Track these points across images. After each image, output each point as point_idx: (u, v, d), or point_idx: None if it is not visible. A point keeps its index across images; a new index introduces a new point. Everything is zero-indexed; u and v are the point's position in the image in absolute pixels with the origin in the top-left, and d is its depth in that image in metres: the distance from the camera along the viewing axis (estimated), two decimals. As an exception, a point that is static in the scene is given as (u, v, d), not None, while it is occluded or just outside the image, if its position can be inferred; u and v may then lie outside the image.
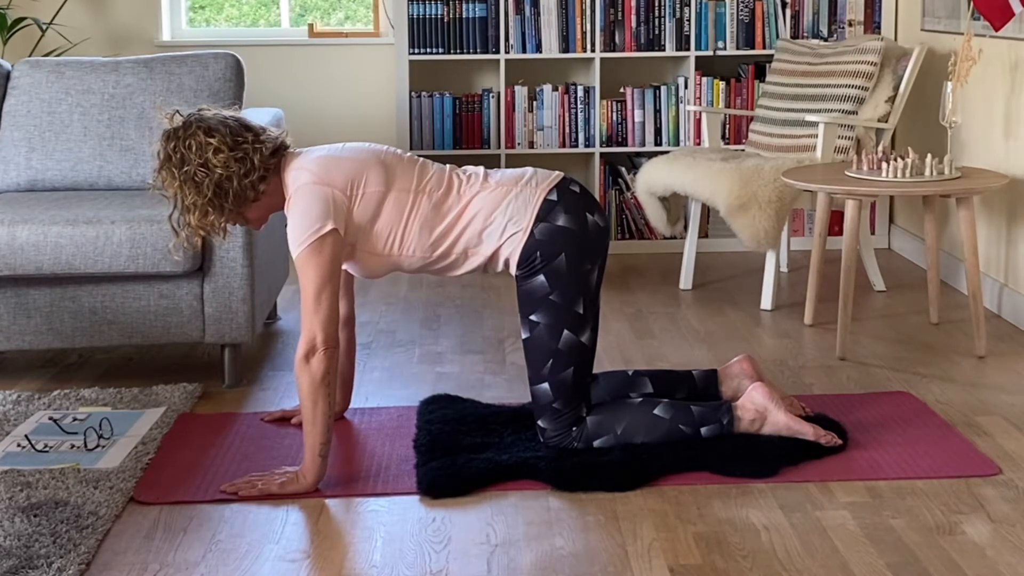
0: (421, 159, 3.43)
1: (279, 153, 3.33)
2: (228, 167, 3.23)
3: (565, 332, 3.30)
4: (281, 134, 3.37)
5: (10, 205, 4.07)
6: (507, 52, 6.00)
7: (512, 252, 3.31)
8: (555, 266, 3.29)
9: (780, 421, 3.41)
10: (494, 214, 3.31)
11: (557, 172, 3.43)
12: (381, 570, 2.79)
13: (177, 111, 3.33)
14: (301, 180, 3.27)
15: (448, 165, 3.45)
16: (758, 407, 3.42)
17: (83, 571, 2.77)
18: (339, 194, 3.25)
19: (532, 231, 3.29)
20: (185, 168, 3.23)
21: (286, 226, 3.29)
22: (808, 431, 3.41)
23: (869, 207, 5.89)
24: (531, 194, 3.33)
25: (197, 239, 3.35)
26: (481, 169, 3.43)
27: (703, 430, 3.38)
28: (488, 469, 3.25)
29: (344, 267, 3.42)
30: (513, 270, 3.34)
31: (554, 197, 3.33)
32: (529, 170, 3.43)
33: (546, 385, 3.33)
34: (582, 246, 3.31)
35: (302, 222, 3.22)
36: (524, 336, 3.36)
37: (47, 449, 3.46)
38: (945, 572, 2.73)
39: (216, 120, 3.28)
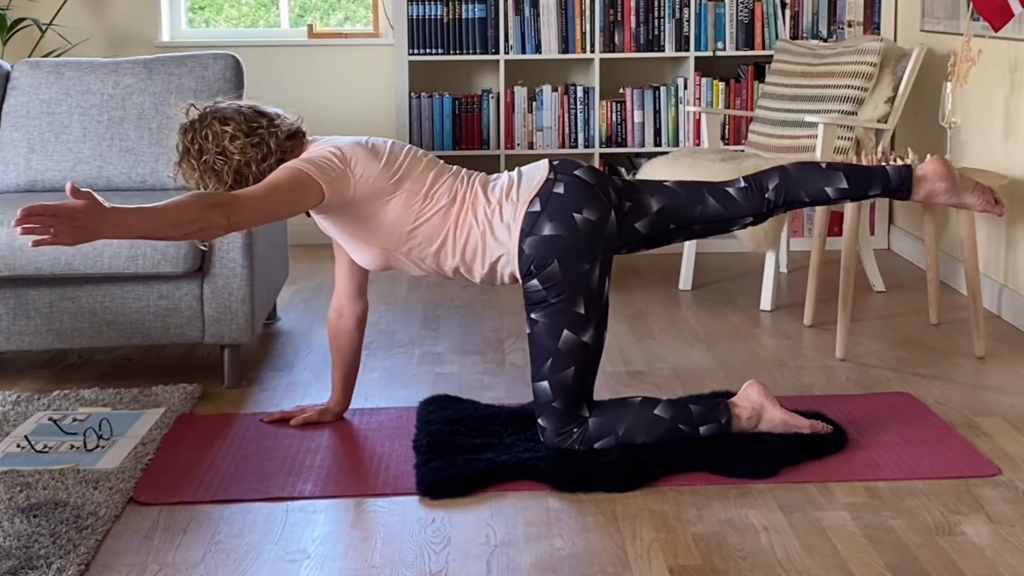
0: (440, 163, 3.41)
1: (295, 137, 3.36)
2: (245, 152, 3.27)
3: (565, 332, 3.29)
4: (297, 120, 3.40)
5: (10, 205, 4.07)
6: (507, 53, 6.01)
7: (511, 268, 3.31)
8: (548, 273, 3.26)
9: (776, 417, 3.42)
10: (485, 238, 3.29)
11: (541, 171, 3.34)
12: (381, 570, 2.79)
13: (192, 105, 3.37)
14: (313, 146, 3.32)
15: (463, 172, 3.40)
16: (754, 404, 3.43)
17: (82, 571, 2.77)
18: (341, 166, 3.24)
19: (521, 247, 3.27)
20: (204, 158, 3.28)
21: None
22: (804, 425, 3.42)
23: (869, 207, 5.89)
24: (512, 212, 3.29)
25: None
26: (479, 184, 3.36)
27: (702, 429, 3.38)
28: (488, 470, 3.24)
29: (352, 253, 3.41)
30: (516, 277, 3.34)
31: (536, 208, 3.27)
32: (515, 176, 3.37)
33: (546, 384, 3.32)
34: (574, 249, 3.26)
35: (297, 162, 3.21)
36: (527, 331, 3.36)
37: (47, 450, 3.46)
38: (944, 573, 2.73)
39: (231, 109, 3.33)
